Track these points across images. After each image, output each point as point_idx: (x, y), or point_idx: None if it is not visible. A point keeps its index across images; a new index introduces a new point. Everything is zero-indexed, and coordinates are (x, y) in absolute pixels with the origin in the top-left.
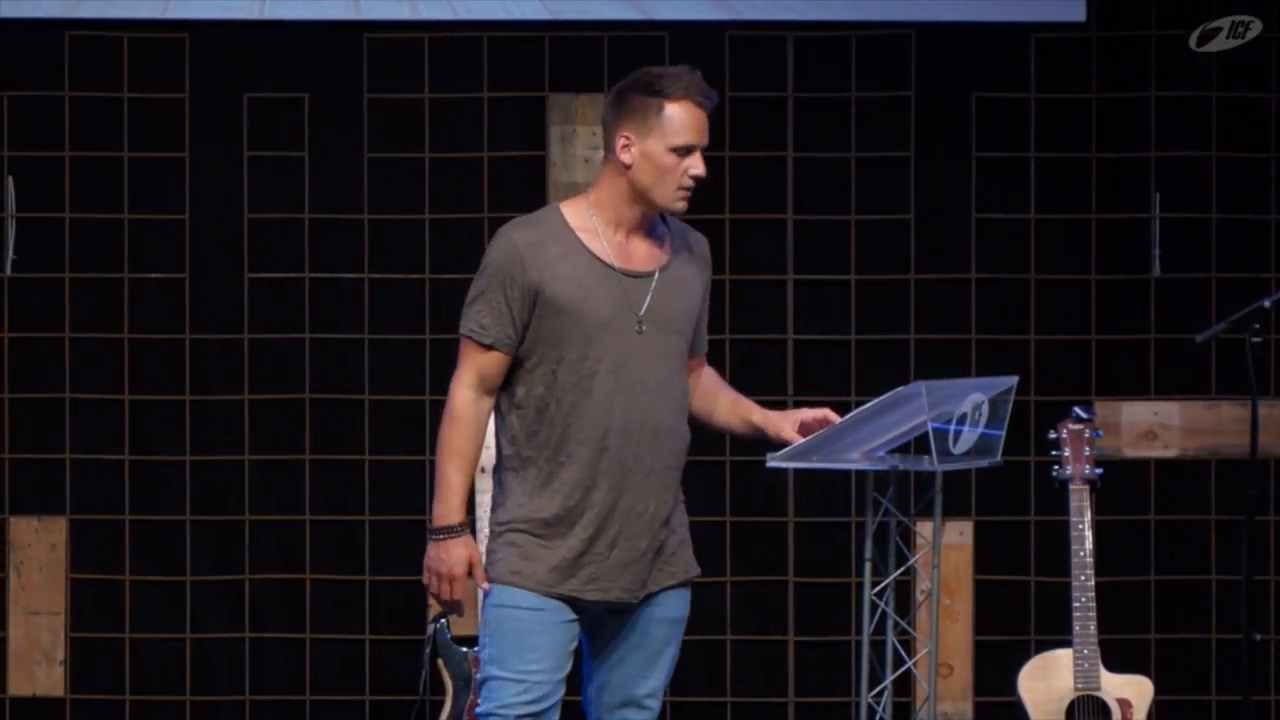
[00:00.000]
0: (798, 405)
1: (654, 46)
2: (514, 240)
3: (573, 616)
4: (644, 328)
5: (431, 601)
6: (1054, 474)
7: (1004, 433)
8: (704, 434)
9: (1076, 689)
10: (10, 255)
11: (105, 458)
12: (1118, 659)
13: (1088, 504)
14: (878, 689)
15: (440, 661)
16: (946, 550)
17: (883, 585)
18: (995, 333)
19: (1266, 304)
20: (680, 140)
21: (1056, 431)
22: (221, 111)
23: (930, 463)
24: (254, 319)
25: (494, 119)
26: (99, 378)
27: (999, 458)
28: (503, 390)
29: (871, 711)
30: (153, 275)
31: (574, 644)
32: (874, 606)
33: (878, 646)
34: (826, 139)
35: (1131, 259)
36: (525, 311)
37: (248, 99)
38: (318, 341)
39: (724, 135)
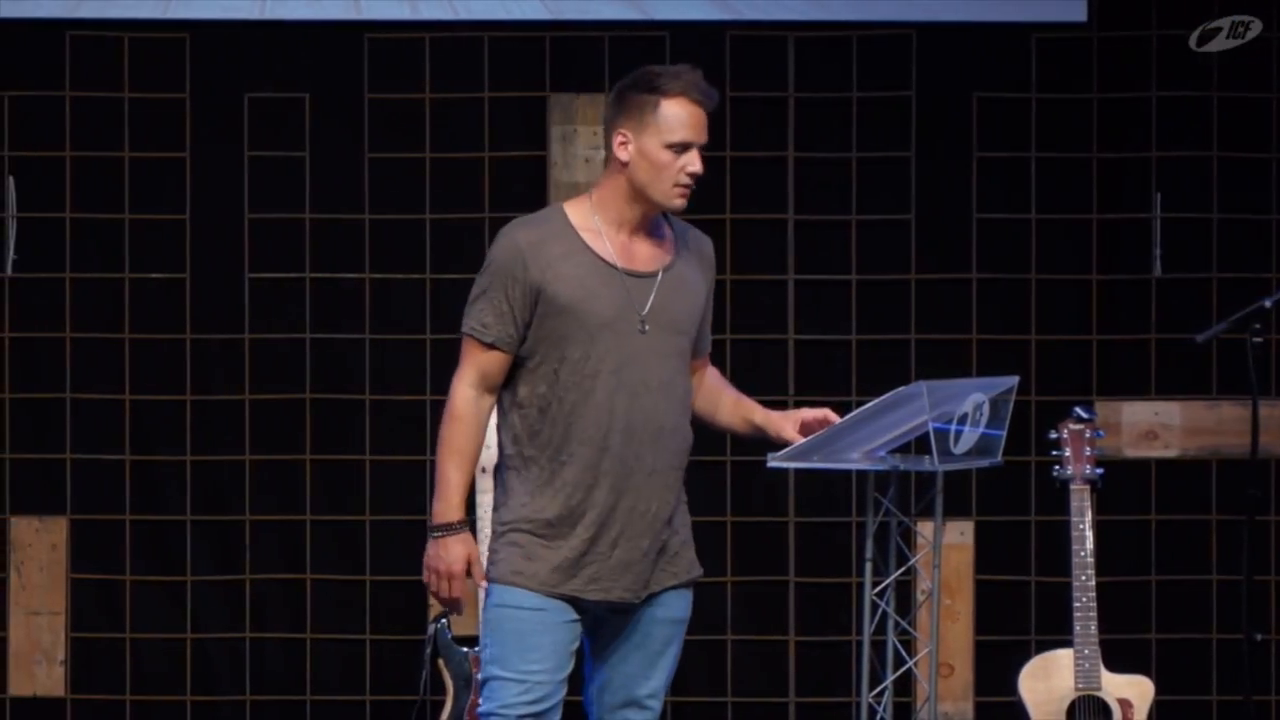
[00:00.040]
0: (798, 405)
1: (655, 46)
2: (516, 239)
3: (574, 616)
4: (647, 328)
5: (432, 601)
6: (1055, 474)
7: (1005, 433)
8: (705, 434)
9: (1077, 689)
10: (11, 255)
11: (106, 458)
12: (1118, 659)
13: (1088, 504)
14: (878, 689)
15: (441, 661)
16: (947, 550)
17: (883, 585)
18: (996, 333)
19: (1267, 304)
20: (676, 137)
21: (1057, 431)
22: (222, 111)
23: (931, 463)
24: (254, 319)
25: (495, 119)
26: (100, 378)
27: (1000, 458)
28: (505, 389)
29: (872, 711)
30: (153, 275)
31: (575, 644)
32: (875, 606)
33: (878, 646)
34: (827, 139)
35: (1132, 259)
36: (527, 311)
37: (248, 99)
38: (318, 341)
39: (725, 135)
